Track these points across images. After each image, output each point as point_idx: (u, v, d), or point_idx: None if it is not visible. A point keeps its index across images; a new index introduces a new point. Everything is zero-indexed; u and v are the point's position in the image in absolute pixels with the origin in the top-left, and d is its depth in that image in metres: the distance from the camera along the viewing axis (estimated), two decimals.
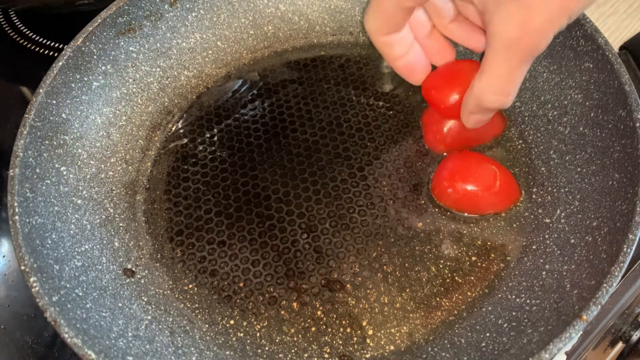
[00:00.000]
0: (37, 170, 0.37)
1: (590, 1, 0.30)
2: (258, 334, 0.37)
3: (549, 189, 0.40)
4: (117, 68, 0.45)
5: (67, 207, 0.38)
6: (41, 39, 0.56)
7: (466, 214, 0.40)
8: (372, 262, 0.39)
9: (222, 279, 0.39)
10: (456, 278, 0.38)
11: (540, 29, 0.29)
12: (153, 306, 0.37)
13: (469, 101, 0.35)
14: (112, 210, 0.41)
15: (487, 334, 0.34)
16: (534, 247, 0.38)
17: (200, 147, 0.45)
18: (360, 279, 0.38)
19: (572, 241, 0.36)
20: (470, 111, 0.35)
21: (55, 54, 0.54)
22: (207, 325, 0.37)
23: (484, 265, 0.38)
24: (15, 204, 0.34)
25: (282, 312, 0.37)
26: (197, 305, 0.38)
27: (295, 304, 0.37)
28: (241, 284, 0.38)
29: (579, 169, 0.38)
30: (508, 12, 0.29)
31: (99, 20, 0.43)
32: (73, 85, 0.41)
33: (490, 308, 0.36)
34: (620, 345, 0.44)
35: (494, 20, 0.30)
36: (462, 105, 0.36)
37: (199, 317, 0.37)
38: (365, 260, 0.39)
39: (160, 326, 0.36)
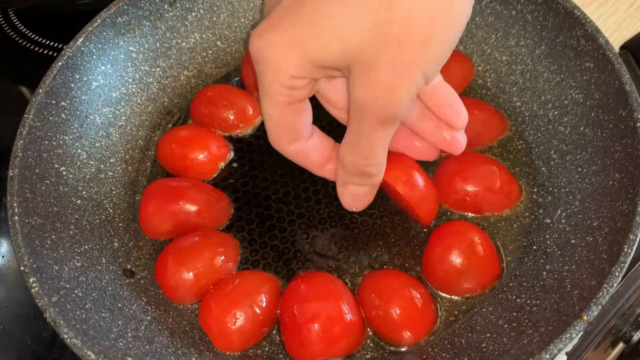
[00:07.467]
0: (37, 171, 0.37)
1: (443, 58, 0.27)
2: None
3: (550, 189, 0.40)
4: (117, 68, 0.45)
5: (67, 207, 0.38)
6: (41, 39, 0.56)
7: (466, 214, 0.40)
8: (372, 262, 0.39)
9: None
10: None
11: (387, 87, 0.26)
12: (153, 306, 0.37)
13: (337, 168, 0.33)
14: (111, 211, 0.41)
15: (488, 334, 0.34)
16: (534, 247, 0.38)
17: None
18: (360, 279, 0.38)
19: (573, 241, 0.36)
20: (341, 180, 0.33)
21: (55, 54, 0.54)
22: None
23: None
24: (15, 205, 0.34)
25: None
26: (197, 305, 0.38)
27: None
28: None
29: (579, 169, 0.38)
30: (355, 73, 0.26)
31: (99, 20, 0.42)
32: (73, 85, 0.41)
33: (490, 308, 0.36)
34: (621, 346, 0.44)
35: (348, 84, 0.27)
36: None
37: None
38: (365, 261, 0.39)
39: (160, 326, 0.35)
